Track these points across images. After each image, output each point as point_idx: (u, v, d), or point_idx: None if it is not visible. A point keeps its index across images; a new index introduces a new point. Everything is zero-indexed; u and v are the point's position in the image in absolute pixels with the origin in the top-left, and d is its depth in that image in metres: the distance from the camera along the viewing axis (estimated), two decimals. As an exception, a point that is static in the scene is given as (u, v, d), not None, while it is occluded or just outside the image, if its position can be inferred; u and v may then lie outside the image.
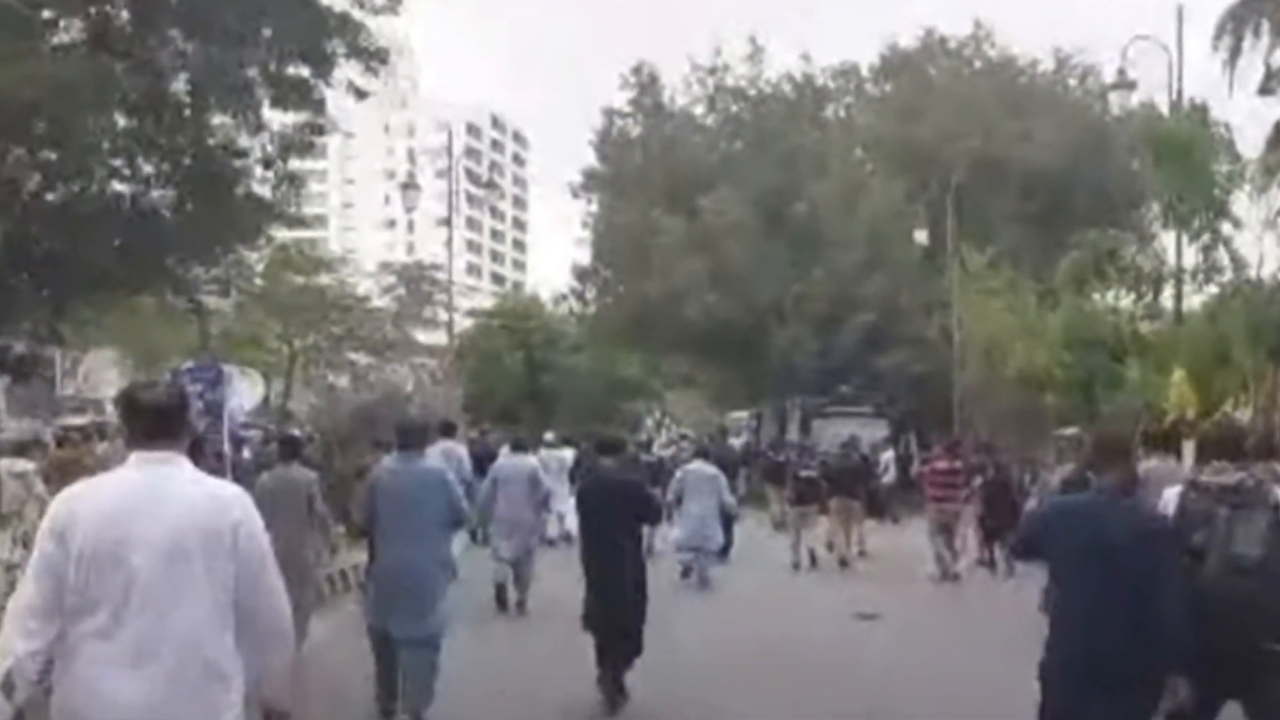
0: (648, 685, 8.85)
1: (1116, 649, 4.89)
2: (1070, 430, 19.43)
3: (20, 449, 8.03)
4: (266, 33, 15.52)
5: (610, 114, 40.00)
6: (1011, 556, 13.07)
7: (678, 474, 17.02)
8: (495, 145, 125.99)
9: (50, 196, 16.25)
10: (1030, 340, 22.00)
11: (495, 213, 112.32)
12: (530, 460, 13.92)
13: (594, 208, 41.53)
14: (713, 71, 39.28)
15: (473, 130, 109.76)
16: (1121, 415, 16.96)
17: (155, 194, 16.71)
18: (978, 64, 38.20)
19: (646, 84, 39.54)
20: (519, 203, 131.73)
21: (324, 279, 32.52)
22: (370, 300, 34.41)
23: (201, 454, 7.90)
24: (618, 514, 8.88)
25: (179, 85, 15.80)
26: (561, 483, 17.02)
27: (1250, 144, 18.25)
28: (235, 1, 14.82)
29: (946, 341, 28.35)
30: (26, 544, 6.34)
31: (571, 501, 12.00)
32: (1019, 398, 23.09)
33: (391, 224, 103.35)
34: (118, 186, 16.67)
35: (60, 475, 7.79)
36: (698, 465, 16.63)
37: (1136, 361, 19.50)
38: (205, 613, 3.59)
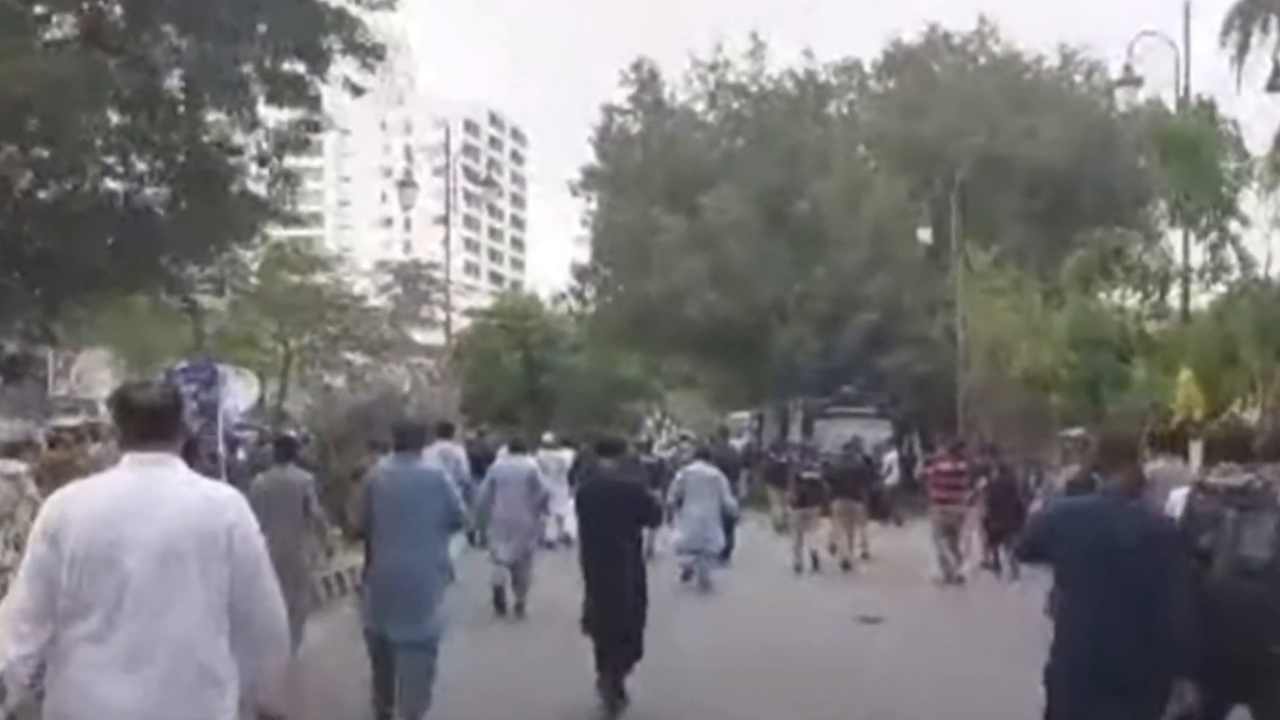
0: (648, 689, 8.82)
1: (1122, 652, 4.86)
2: (1076, 431, 19.36)
3: (12, 450, 7.94)
4: (261, 28, 15.45)
5: (610, 111, 39.84)
6: (1016, 559, 13.01)
7: (678, 475, 16.99)
8: (493, 142, 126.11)
9: (43, 194, 16.18)
10: (1035, 340, 21.93)
11: (493, 211, 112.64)
12: (529, 462, 13.87)
13: (593, 206, 41.35)
14: (714, 68, 39.14)
15: (471, 127, 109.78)
16: (1128, 416, 16.84)
17: (149, 192, 16.66)
18: (982, 60, 38.09)
19: (647, 80, 39.40)
20: (517, 201, 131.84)
21: (320, 278, 32.47)
22: (367, 299, 34.30)
23: (196, 455, 7.84)
24: (617, 516, 8.84)
25: (173, 82, 15.75)
26: (560, 484, 16.97)
27: (1258, 141, 18.16)
28: (230, -4, 14.78)
29: (950, 341, 28.26)
30: (18, 546, 6.26)
31: (570, 503, 11.91)
32: (1024, 398, 23.01)
33: (388, 222, 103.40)
34: (111, 184, 16.61)
35: (53, 477, 7.75)
36: (698, 467, 16.58)
37: (1143, 361, 19.42)
38: (199, 616, 3.56)
